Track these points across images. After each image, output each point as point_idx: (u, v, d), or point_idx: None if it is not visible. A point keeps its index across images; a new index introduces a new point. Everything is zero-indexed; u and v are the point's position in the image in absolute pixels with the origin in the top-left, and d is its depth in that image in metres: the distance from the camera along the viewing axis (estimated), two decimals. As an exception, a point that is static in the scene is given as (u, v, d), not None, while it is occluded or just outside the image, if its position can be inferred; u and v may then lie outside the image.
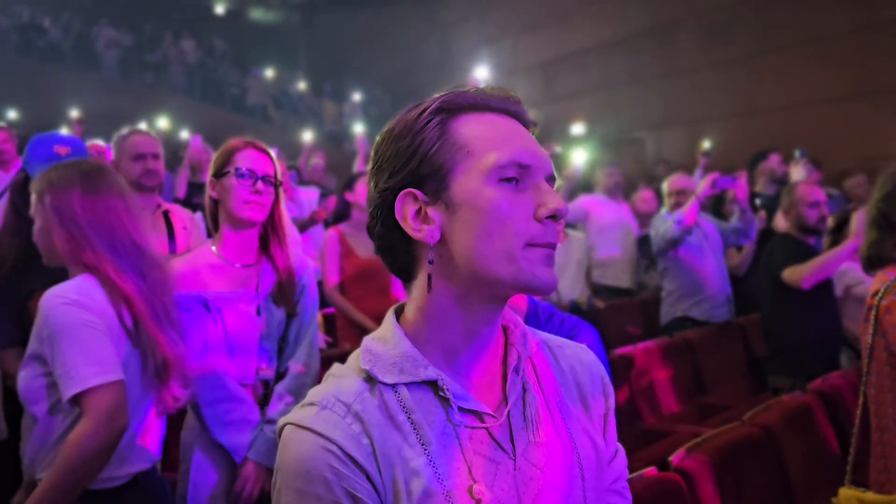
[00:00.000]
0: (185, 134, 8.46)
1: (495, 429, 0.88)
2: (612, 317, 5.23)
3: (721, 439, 2.51)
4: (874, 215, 2.25)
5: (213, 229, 2.15)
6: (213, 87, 17.22)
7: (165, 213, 3.13)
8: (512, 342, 0.94)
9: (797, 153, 5.02)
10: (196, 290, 2.02)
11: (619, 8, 11.37)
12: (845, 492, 2.22)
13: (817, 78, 8.45)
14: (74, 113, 6.36)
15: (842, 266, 3.78)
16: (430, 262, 0.87)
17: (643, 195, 6.15)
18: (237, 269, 2.09)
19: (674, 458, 2.30)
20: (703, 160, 5.28)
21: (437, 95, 0.90)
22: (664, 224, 4.34)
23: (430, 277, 0.87)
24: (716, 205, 5.16)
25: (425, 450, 0.84)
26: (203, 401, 2.02)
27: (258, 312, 2.07)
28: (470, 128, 0.87)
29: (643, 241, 5.39)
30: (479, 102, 0.89)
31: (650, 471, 2.22)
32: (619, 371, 3.81)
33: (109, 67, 15.93)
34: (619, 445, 1.03)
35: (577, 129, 9.93)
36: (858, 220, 3.45)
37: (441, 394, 0.86)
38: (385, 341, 0.90)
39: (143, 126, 7.18)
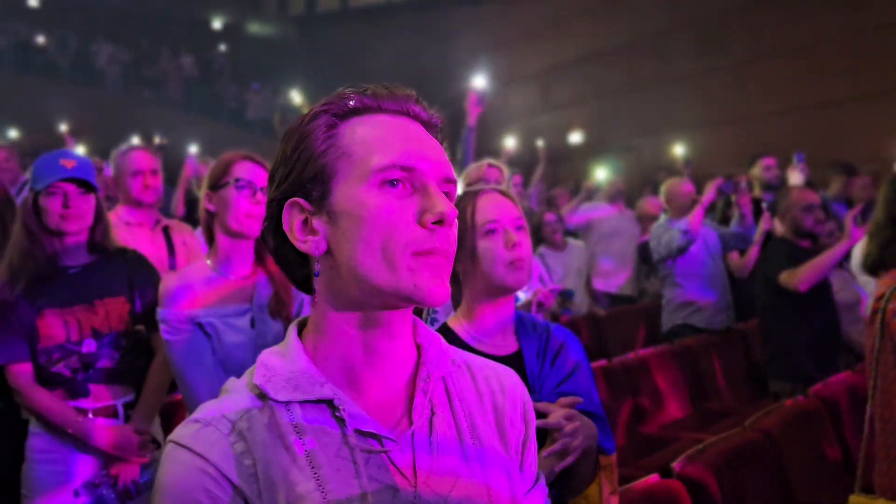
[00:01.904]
0: (192, 149, 8.49)
1: (396, 453, 0.82)
2: (614, 324, 5.24)
3: (722, 446, 2.51)
4: (894, 214, 2.19)
5: (208, 242, 2.15)
6: (212, 101, 17.27)
7: (165, 229, 3.15)
8: (424, 360, 0.88)
9: (795, 158, 5.04)
10: (188, 306, 2.01)
11: (614, 17, 11.43)
12: (855, 499, 2.21)
13: (810, 83, 8.48)
14: (63, 127, 6.36)
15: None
16: (317, 275, 0.83)
17: (652, 201, 6.15)
18: (233, 282, 2.08)
19: (675, 465, 2.31)
20: (686, 169, 5.31)
21: (327, 98, 0.85)
22: (668, 233, 4.34)
23: (320, 290, 0.84)
24: (723, 210, 5.16)
25: (315, 473, 0.78)
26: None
27: (252, 325, 2.07)
28: (355, 131, 0.82)
29: (644, 248, 5.41)
30: (370, 104, 0.84)
31: (652, 478, 2.23)
32: (621, 378, 3.82)
33: (108, 83, 15.99)
34: (541, 473, 0.98)
35: (575, 137, 9.96)
36: (850, 222, 3.45)
37: (337, 414, 0.81)
38: (283, 355, 0.85)
39: (141, 142, 7.21)
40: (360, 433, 0.81)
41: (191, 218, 4.61)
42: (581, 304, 5.02)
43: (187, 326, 2.00)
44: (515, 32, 13.56)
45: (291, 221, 0.82)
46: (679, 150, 5.54)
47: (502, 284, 1.50)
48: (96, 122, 11.38)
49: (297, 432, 0.79)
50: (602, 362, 3.87)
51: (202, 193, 2.13)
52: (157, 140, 6.76)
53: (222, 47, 19.72)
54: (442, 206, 0.79)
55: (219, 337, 2.02)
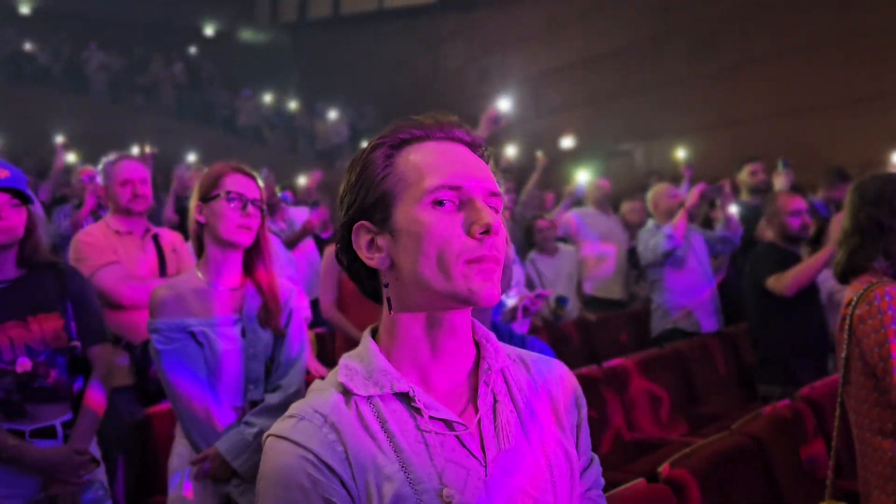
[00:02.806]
0: (190, 157, 8.48)
1: (466, 437, 0.92)
2: (604, 328, 5.26)
3: (710, 449, 2.52)
4: (860, 221, 2.18)
5: (197, 253, 2.16)
6: (204, 108, 17.26)
7: (155, 237, 3.15)
8: (484, 356, 0.99)
9: (780, 163, 5.08)
10: (180, 316, 2.03)
11: (606, 22, 11.48)
12: None
13: (803, 87, 8.53)
14: (59, 139, 6.31)
15: (825, 273, 3.81)
16: (386, 286, 0.95)
17: (633, 206, 6.20)
18: (222, 293, 2.10)
19: (662, 470, 2.32)
20: (687, 172, 5.34)
21: (383, 132, 0.97)
22: (654, 238, 4.37)
23: (388, 300, 0.95)
24: (705, 214, 5.20)
25: (398, 456, 0.88)
26: (190, 425, 2.04)
27: (243, 335, 2.08)
28: (409, 158, 0.94)
29: (633, 253, 5.43)
30: (420, 134, 0.96)
31: (639, 482, 2.24)
32: (610, 382, 3.83)
33: (100, 91, 15.96)
34: (594, 455, 1.08)
35: (567, 142, 9.99)
36: (835, 227, 3.48)
37: (413, 404, 0.91)
38: (361, 357, 0.96)
39: (134, 150, 7.20)
40: (434, 419, 0.92)
41: (183, 226, 4.61)
42: (572, 309, 5.04)
43: (179, 335, 2.02)
44: (507, 38, 13.60)
45: (360, 242, 0.95)
46: (681, 153, 5.56)
47: None
48: (88, 130, 11.36)
49: (380, 421, 0.91)
50: (592, 367, 3.88)
51: (192, 204, 2.14)
52: (147, 149, 6.74)
53: (214, 54, 19.72)
54: (487, 217, 0.89)
55: (211, 346, 2.04)
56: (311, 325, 3.96)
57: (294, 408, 0.92)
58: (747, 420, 2.82)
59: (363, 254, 0.94)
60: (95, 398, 2.23)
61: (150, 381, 2.53)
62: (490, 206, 0.93)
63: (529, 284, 4.65)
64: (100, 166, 3.22)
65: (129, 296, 2.86)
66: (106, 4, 18.42)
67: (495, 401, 0.97)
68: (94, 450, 2.24)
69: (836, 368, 3.69)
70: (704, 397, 4.30)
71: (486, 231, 0.89)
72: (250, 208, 2.07)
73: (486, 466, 0.92)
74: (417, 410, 0.91)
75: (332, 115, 15.14)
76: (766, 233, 3.93)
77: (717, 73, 9.66)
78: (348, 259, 0.98)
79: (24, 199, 2.13)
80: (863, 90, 7.92)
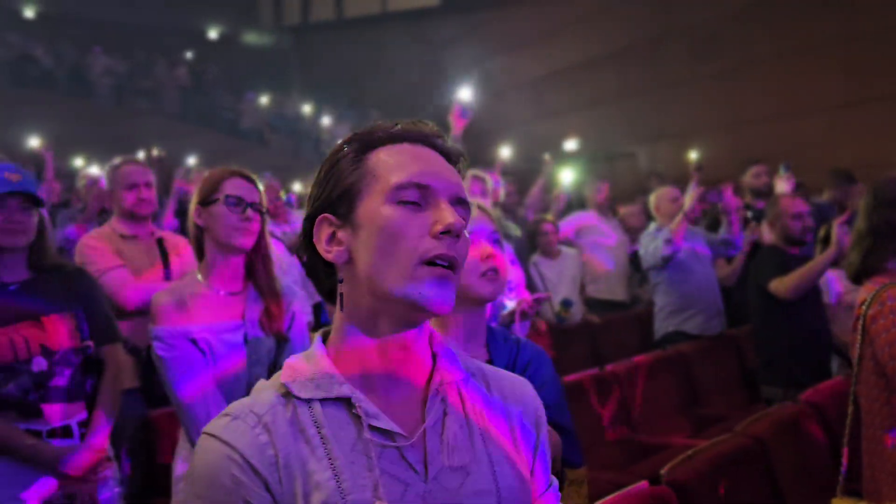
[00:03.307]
0: (191, 160, 8.50)
1: (408, 449, 0.88)
2: (607, 331, 5.27)
3: (712, 451, 2.53)
4: (874, 223, 2.20)
5: (198, 257, 2.16)
6: (208, 111, 17.32)
7: (160, 241, 3.17)
8: (438, 366, 0.96)
9: (782, 167, 5.08)
10: (182, 323, 2.02)
11: (606, 24, 11.50)
12: (838, 502, 2.24)
13: (804, 88, 8.53)
14: (35, 142, 6.18)
15: (833, 274, 3.82)
16: (340, 282, 0.92)
17: (630, 210, 6.21)
18: (224, 298, 2.09)
19: (664, 472, 2.33)
20: (696, 174, 5.35)
21: (359, 130, 0.96)
22: (653, 242, 4.38)
23: (342, 297, 0.92)
24: (711, 220, 5.19)
25: (332, 464, 0.85)
26: (195, 432, 2.04)
27: (245, 340, 2.08)
28: (381, 156, 0.92)
29: (636, 256, 5.44)
30: (396, 134, 0.94)
31: (641, 485, 2.25)
32: (614, 385, 3.84)
33: (104, 95, 16.03)
34: (554, 479, 1.04)
35: (570, 144, 10.00)
36: (837, 230, 3.49)
37: (354, 411, 0.88)
38: (307, 359, 0.93)
39: (140, 154, 7.20)
40: (375, 429, 0.88)
41: (183, 230, 4.63)
42: (576, 311, 5.05)
43: (181, 343, 2.00)
44: (510, 41, 13.62)
45: (321, 234, 0.92)
46: (693, 155, 5.55)
47: (476, 294, 1.54)
48: (92, 134, 11.41)
49: (317, 426, 0.87)
50: (595, 369, 3.89)
51: (191, 208, 2.14)
52: (154, 152, 6.75)
53: (217, 57, 19.78)
54: (450, 217, 0.87)
55: (213, 352, 2.03)
56: (314, 329, 3.97)
57: (231, 406, 0.90)
58: (750, 422, 2.83)
59: (322, 247, 0.92)
60: (109, 397, 2.26)
61: (155, 383, 2.54)
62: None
63: (532, 287, 4.66)
64: (104, 170, 3.24)
65: (133, 299, 2.87)
66: (109, 8, 18.53)
67: (445, 413, 0.93)
68: (108, 448, 2.27)
69: (840, 370, 3.72)
70: (707, 399, 4.31)
71: (448, 231, 0.87)
72: (249, 212, 2.07)
73: (426, 481, 0.88)
74: (358, 418, 0.88)
75: (335, 117, 15.17)
76: (768, 235, 3.93)
77: (719, 75, 9.67)
78: (308, 254, 0.96)
79: (35, 203, 2.16)
80: (864, 92, 7.91)
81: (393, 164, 0.90)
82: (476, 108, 4.02)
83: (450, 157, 0.96)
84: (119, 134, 12.40)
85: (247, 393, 2.06)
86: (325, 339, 0.97)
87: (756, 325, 3.96)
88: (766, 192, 5.08)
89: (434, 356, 0.97)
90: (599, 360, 4.56)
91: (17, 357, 2.09)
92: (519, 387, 1.03)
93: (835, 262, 3.53)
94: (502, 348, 1.60)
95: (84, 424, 2.21)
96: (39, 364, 2.11)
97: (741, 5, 9.33)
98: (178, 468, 2.15)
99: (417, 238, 0.87)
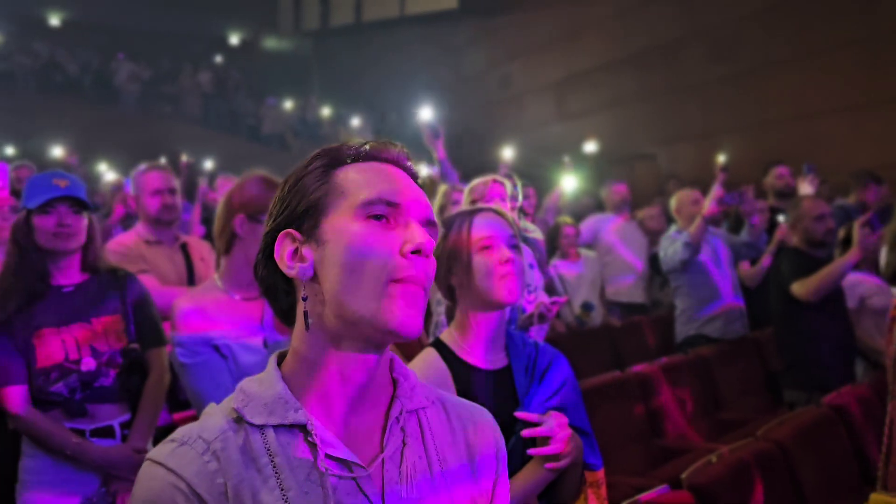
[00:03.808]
0: (207, 165, 8.58)
1: (364, 480, 0.85)
2: (628, 334, 5.25)
3: (734, 456, 2.52)
4: None
5: (217, 262, 2.20)
6: (229, 116, 17.48)
7: (184, 246, 3.21)
8: (399, 394, 0.92)
9: (804, 168, 5.03)
10: (203, 329, 2.05)
11: (626, 26, 11.46)
12: (877, 497, 2.22)
13: (824, 89, 8.45)
14: (58, 150, 6.27)
15: (856, 277, 3.78)
16: (304, 299, 0.88)
17: (649, 212, 6.18)
18: (242, 303, 2.10)
19: (686, 476, 2.32)
20: (721, 175, 5.31)
21: (326, 148, 0.95)
22: (672, 245, 4.36)
23: (305, 315, 0.88)
24: (734, 222, 5.15)
25: (283, 495, 0.81)
26: None
27: (265, 345, 2.10)
28: (349, 173, 0.90)
29: (655, 259, 5.42)
30: (366, 153, 0.93)
31: (662, 489, 2.25)
32: (635, 389, 3.83)
33: (130, 102, 16.24)
34: None
35: (590, 146, 9.98)
36: (858, 232, 3.45)
37: (310, 439, 0.84)
38: (261, 382, 0.89)
39: (164, 160, 7.28)
40: (331, 458, 0.84)
41: (209, 237, 4.67)
42: (596, 315, 5.04)
43: (203, 349, 2.02)
44: (529, 44, 13.62)
45: (283, 250, 0.89)
46: (722, 158, 5.50)
47: (495, 298, 1.55)
48: (117, 140, 11.56)
49: (269, 454, 0.83)
50: (616, 373, 3.89)
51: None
52: (183, 158, 6.83)
53: (238, 63, 19.97)
54: (420, 237, 0.85)
55: (234, 358, 2.04)
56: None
57: (178, 431, 0.85)
58: (771, 427, 2.81)
59: (284, 263, 0.88)
60: (153, 399, 2.32)
61: (180, 388, 2.58)
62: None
63: (551, 290, 4.65)
64: (130, 176, 3.29)
65: (158, 305, 2.91)
66: (133, 15, 18.79)
67: (404, 443, 0.90)
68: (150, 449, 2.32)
69: (865, 374, 3.68)
70: (730, 403, 4.28)
71: (418, 251, 0.85)
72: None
73: None
74: (314, 446, 0.84)
75: (355, 121, 15.24)
76: (790, 238, 3.90)
77: (739, 76, 9.61)
78: (266, 272, 0.92)
79: (84, 207, 2.23)
80: (884, 92, 7.82)
81: (362, 181, 0.88)
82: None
83: (416, 179, 0.95)
84: (142, 140, 12.55)
85: None
86: (279, 362, 0.93)
87: (778, 328, 3.93)
88: (789, 194, 5.03)
89: (394, 382, 0.94)
90: (620, 363, 4.55)
91: (68, 357, 2.16)
92: (479, 416, 1.01)
93: (857, 265, 3.50)
94: (521, 352, 1.62)
95: (126, 425, 2.27)
96: (88, 364, 2.18)
97: (761, 7, 9.26)
98: None
99: (386, 256, 0.84)
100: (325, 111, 17.34)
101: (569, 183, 6.04)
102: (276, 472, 0.82)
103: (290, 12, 21.00)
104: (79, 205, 2.22)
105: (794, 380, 3.73)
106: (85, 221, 2.25)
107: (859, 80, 8.09)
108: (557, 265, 5.02)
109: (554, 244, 5.12)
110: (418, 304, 0.85)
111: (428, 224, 0.90)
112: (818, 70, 8.53)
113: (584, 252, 5.25)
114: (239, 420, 0.85)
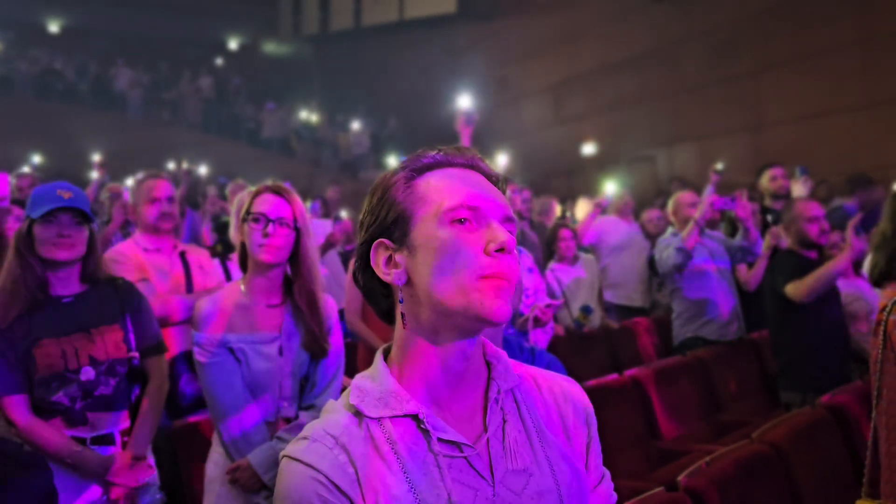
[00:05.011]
0: (203, 169, 8.61)
1: (474, 457, 0.94)
2: (626, 336, 5.26)
3: (729, 458, 2.53)
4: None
5: (242, 269, 2.24)
6: (229, 121, 17.51)
7: (182, 254, 3.23)
8: (494, 376, 1.01)
9: (797, 170, 5.05)
10: (221, 331, 2.11)
11: (624, 29, 11.49)
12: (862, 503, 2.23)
13: (823, 91, 8.47)
14: (97, 157, 6.43)
15: (839, 283, 3.80)
16: (401, 302, 0.97)
17: (650, 216, 6.20)
18: (262, 309, 2.17)
19: (682, 479, 2.33)
20: (714, 177, 5.32)
21: (407, 158, 1.02)
22: (666, 250, 4.37)
23: (403, 316, 0.97)
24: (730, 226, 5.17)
25: (406, 477, 0.91)
26: (223, 433, 2.12)
27: (280, 353, 2.15)
28: (430, 181, 0.98)
29: (654, 261, 5.43)
30: (442, 160, 1.00)
31: (658, 492, 2.26)
32: (633, 391, 3.84)
33: (131, 107, 16.27)
34: (605, 471, 1.10)
35: (589, 149, 10.00)
36: (850, 233, 3.47)
37: (422, 426, 0.93)
38: (372, 378, 0.99)
39: (170, 166, 7.28)
40: (443, 441, 0.93)
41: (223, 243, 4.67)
42: (594, 317, 5.04)
43: (219, 350, 2.10)
44: (527, 46, 13.65)
45: (378, 259, 0.98)
46: (719, 165, 5.51)
47: None
48: (116, 145, 11.59)
49: (390, 443, 0.93)
50: (614, 375, 3.90)
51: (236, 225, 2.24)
52: (184, 165, 6.87)
53: (238, 68, 20.00)
54: (503, 236, 0.93)
55: (248, 362, 2.12)
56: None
57: (307, 429, 0.95)
58: (767, 429, 2.82)
59: (380, 270, 0.97)
60: (152, 407, 2.36)
61: (179, 395, 2.60)
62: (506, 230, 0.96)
63: (550, 294, 4.67)
64: (128, 183, 3.31)
65: (157, 313, 2.93)
66: (132, 21, 18.83)
67: (504, 420, 0.98)
68: (150, 456, 2.37)
69: (858, 375, 3.69)
70: (728, 405, 4.28)
71: (502, 249, 0.92)
72: (272, 227, 2.13)
73: (493, 486, 0.94)
74: (427, 432, 0.93)
75: (355, 125, 15.27)
76: (784, 239, 3.92)
77: (738, 78, 9.63)
78: (365, 278, 1.01)
79: (86, 219, 2.26)
80: (883, 93, 7.84)
81: (443, 188, 0.96)
82: (488, 113, 4.07)
83: (491, 178, 1.02)
84: (143, 146, 12.59)
85: (278, 404, 2.14)
86: (385, 356, 1.02)
87: (773, 330, 3.95)
88: (784, 195, 5.05)
89: (489, 365, 1.02)
90: (618, 365, 4.56)
91: (68, 367, 2.19)
92: (568, 386, 1.09)
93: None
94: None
95: (126, 433, 2.30)
96: (87, 374, 2.21)
97: (760, 8, 9.29)
98: (210, 471, 2.22)
99: (473, 256, 0.92)
100: (325, 115, 17.36)
101: (610, 188, 6.06)
102: (399, 459, 0.92)
103: (289, 17, 21.05)
104: (81, 216, 2.24)
105: (789, 381, 3.75)
106: (86, 233, 2.27)
107: (858, 81, 8.11)
108: (555, 268, 5.03)
109: (552, 247, 5.14)
110: (506, 294, 0.92)
111: (507, 221, 0.97)
112: (817, 71, 8.56)
113: (582, 255, 5.26)
114: (358, 414, 0.95)
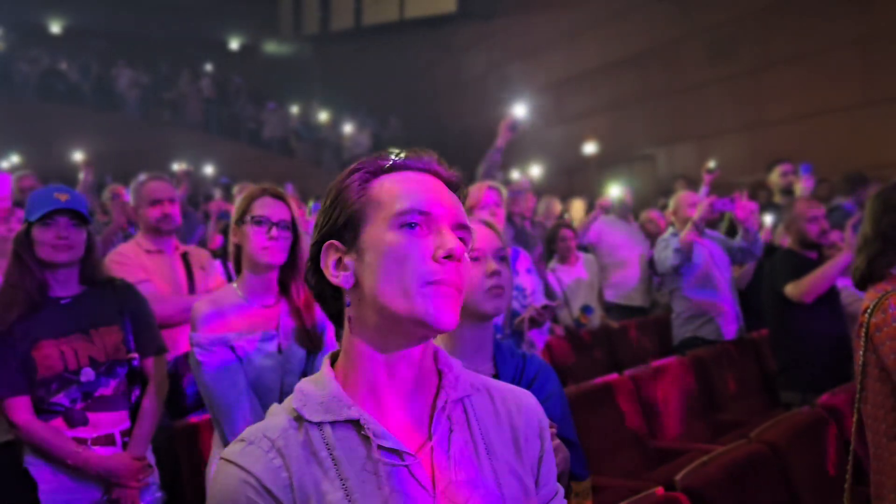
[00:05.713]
0: (207, 170, 8.62)
1: (415, 466, 0.92)
2: (626, 336, 5.27)
3: (727, 457, 2.54)
4: (882, 228, 2.19)
5: (237, 270, 2.27)
6: (230, 121, 17.51)
7: (184, 255, 3.25)
8: (444, 385, 0.99)
9: (801, 169, 5.06)
10: (221, 331, 2.13)
11: (624, 28, 11.49)
12: None
13: (822, 89, 8.47)
14: (79, 155, 6.29)
15: (840, 283, 3.81)
16: (348, 305, 0.96)
17: (650, 216, 6.21)
18: (258, 310, 2.20)
19: (679, 478, 2.35)
20: (707, 177, 5.32)
21: (362, 160, 1.01)
22: (665, 250, 4.38)
23: (350, 320, 0.96)
24: (729, 226, 5.18)
25: (343, 485, 0.89)
26: (229, 433, 2.14)
27: (279, 350, 2.18)
28: (384, 184, 0.96)
29: (653, 261, 5.45)
30: (399, 164, 0.99)
31: (656, 491, 2.27)
32: (632, 390, 3.85)
33: (131, 107, 16.27)
34: (559, 487, 1.07)
35: (589, 147, 10.01)
36: (849, 232, 3.48)
37: (363, 432, 0.91)
38: (316, 383, 0.97)
39: (175, 167, 7.25)
40: (384, 449, 0.91)
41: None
42: (594, 317, 5.05)
43: (220, 348, 2.11)
44: (528, 46, 13.66)
45: (327, 260, 0.96)
46: (711, 161, 5.52)
47: (481, 310, 1.58)
48: (118, 147, 11.60)
49: (328, 449, 0.91)
50: (614, 375, 3.91)
51: (231, 226, 2.26)
52: (183, 166, 6.85)
53: (239, 68, 20.00)
54: (451, 243, 0.92)
55: (249, 360, 2.14)
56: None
57: (246, 432, 0.93)
58: (765, 428, 2.83)
59: (329, 272, 0.95)
60: (152, 407, 2.38)
61: (181, 395, 2.63)
62: (458, 238, 0.94)
63: (551, 294, 4.68)
64: (130, 185, 3.33)
65: (158, 314, 2.95)
66: (134, 21, 18.82)
67: (451, 430, 0.96)
68: (150, 456, 2.39)
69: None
70: (727, 405, 4.29)
71: (449, 256, 0.91)
72: (275, 231, 2.16)
73: (434, 497, 0.91)
74: (368, 439, 0.91)
75: (356, 125, 15.27)
76: (784, 239, 3.93)
77: (738, 77, 9.63)
78: (315, 279, 0.99)
79: (84, 221, 2.28)
80: (883, 92, 7.85)
81: (396, 192, 0.94)
82: (525, 123, 4.11)
83: (450, 184, 1.00)
84: (144, 146, 12.61)
85: (280, 400, 2.15)
86: (332, 362, 1.00)
87: (772, 330, 3.96)
88: (793, 191, 5.08)
89: (439, 373, 1.00)
90: (618, 365, 4.57)
91: (67, 368, 2.21)
92: (523, 399, 1.06)
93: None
94: (509, 362, 1.65)
95: (126, 433, 2.32)
96: (87, 375, 2.23)
97: (760, 7, 9.29)
98: (213, 471, 2.24)
99: (421, 262, 0.90)
100: (326, 115, 17.36)
101: (615, 191, 6.07)
102: (335, 464, 0.90)
103: (290, 17, 21.06)
104: (79, 218, 2.26)
105: (788, 381, 3.76)
106: (84, 235, 2.29)
107: (858, 79, 8.11)
108: (555, 268, 5.05)
109: (552, 247, 5.15)
110: (452, 302, 0.92)
111: (459, 228, 0.96)
112: (817, 70, 8.56)
113: (582, 254, 5.27)
114: (299, 418, 0.93)
